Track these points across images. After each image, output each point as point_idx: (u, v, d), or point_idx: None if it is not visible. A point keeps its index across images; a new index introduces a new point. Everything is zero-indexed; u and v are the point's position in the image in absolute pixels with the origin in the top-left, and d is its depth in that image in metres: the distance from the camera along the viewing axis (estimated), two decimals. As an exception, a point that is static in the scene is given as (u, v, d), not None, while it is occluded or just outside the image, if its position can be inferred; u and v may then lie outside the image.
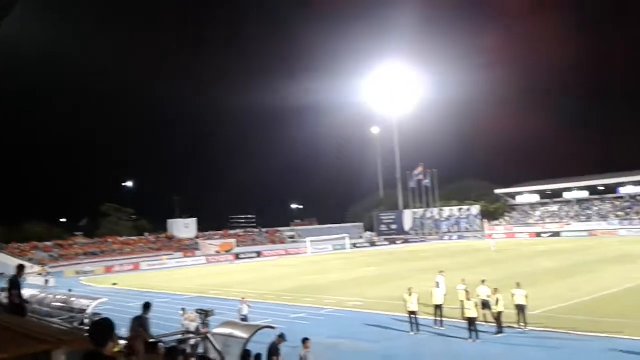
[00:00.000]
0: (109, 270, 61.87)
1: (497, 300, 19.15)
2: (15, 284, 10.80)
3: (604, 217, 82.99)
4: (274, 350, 13.35)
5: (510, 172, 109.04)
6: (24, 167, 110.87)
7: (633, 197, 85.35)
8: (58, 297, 26.04)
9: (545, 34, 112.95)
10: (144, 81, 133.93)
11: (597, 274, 33.49)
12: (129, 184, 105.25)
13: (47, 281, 45.40)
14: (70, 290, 30.82)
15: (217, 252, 77.40)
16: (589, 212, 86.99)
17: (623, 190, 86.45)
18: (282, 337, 13.72)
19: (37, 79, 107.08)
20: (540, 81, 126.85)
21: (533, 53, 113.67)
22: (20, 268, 11.30)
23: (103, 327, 3.79)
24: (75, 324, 18.26)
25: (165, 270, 62.35)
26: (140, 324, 11.61)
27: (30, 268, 64.18)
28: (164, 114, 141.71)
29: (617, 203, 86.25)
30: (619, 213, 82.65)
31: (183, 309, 21.25)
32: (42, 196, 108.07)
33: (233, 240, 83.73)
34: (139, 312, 12.43)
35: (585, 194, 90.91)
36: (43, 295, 25.44)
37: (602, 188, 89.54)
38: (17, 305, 9.82)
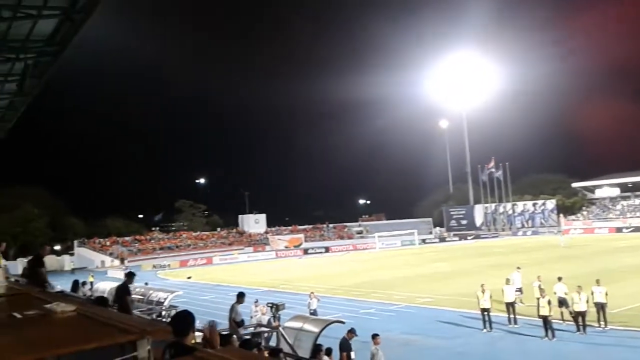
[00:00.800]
0: (183, 264, 64.18)
1: (578, 298, 18.35)
2: (126, 290, 11.39)
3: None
4: (345, 345, 13.42)
5: (589, 164, 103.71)
6: (105, 165, 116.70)
7: None
8: (137, 289, 27.28)
9: (628, 18, 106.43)
10: (211, 81, 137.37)
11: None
12: (202, 180, 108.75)
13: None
14: (146, 284, 32.24)
15: (286, 247, 78.59)
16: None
17: None
18: (352, 332, 13.73)
19: (115, 80, 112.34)
20: (621, 69, 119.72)
21: (613, 40, 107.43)
22: (130, 275, 11.95)
23: (184, 318, 4.01)
24: (154, 316, 19.05)
25: (237, 264, 63.98)
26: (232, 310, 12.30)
27: (111, 262, 67.81)
28: (232, 112, 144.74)
29: None
30: None
31: (256, 301, 21.75)
32: (122, 193, 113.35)
33: (301, 236, 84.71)
34: (212, 305, 12.90)
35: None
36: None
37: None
38: (126, 310, 10.27)
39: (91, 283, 32.41)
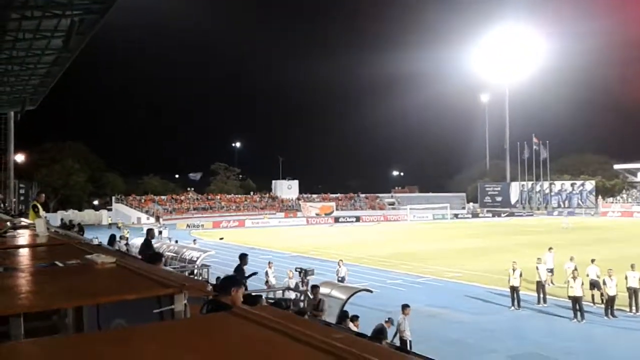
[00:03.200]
0: (216, 225, 65.42)
1: (607, 282, 18.09)
2: (242, 273, 11.82)
3: None
4: (381, 332, 13.22)
5: (633, 146, 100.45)
6: (147, 126, 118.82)
7: None
8: (171, 247, 28.06)
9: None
10: (254, 51, 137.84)
11: None
12: (238, 144, 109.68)
13: (160, 232, 48.76)
14: (176, 242, 33.12)
15: (317, 214, 79.14)
16: None
17: None
18: (390, 322, 13.38)
19: (162, 44, 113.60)
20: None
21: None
22: (243, 257, 12.35)
23: (227, 279, 4.30)
24: (186, 273, 19.59)
25: (268, 228, 64.91)
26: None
27: (147, 219, 69.54)
28: (272, 80, 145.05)
29: None
30: None
31: (270, 263, 22.49)
32: (161, 153, 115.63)
33: (333, 204, 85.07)
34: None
35: None
36: (157, 244, 27.44)
37: None
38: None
39: (127, 238, 33.46)
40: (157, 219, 67.85)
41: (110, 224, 64.59)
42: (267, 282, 21.23)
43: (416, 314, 16.48)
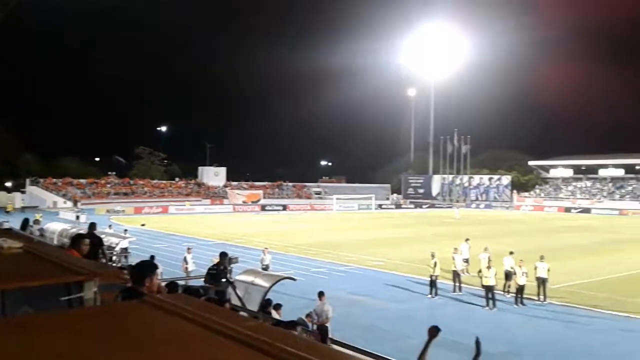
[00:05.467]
0: (138, 211, 63.52)
1: (521, 273, 19.13)
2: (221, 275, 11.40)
3: (638, 197, 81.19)
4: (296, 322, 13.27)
5: (547, 144, 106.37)
6: (65, 104, 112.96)
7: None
8: (80, 231, 26.97)
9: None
10: (189, 36, 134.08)
11: (623, 253, 33.01)
12: (163, 128, 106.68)
13: (78, 217, 46.79)
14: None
15: (244, 202, 78.61)
16: (622, 190, 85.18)
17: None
18: (310, 316, 13.41)
19: (91, 28, 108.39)
20: (590, 46, 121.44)
21: (583, 14, 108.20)
22: (223, 256, 11.88)
23: (141, 266, 4.16)
24: (104, 260, 18.93)
25: (193, 215, 63.73)
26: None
27: (63, 203, 66.47)
28: (203, 66, 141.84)
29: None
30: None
31: (189, 248, 22.35)
32: (80, 134, 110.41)
33: (260, 192, 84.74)
34: (164, 253, 12.90)
35: (621, 172, 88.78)
36: (74, 230, 26.33)
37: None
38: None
39: (40, 222, 31.83)
40: (75, 203, 65.06)
41: (23, 208, 61.20)
42: (186, 268, 20.94)
43: (338, 301, 16.77)
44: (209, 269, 13.03)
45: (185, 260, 21.56)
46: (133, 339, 1.78)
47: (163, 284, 7.11)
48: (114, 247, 23.08)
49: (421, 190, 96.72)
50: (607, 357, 13.59)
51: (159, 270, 4.02)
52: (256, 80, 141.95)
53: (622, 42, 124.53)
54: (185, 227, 46.14)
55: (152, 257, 16.56)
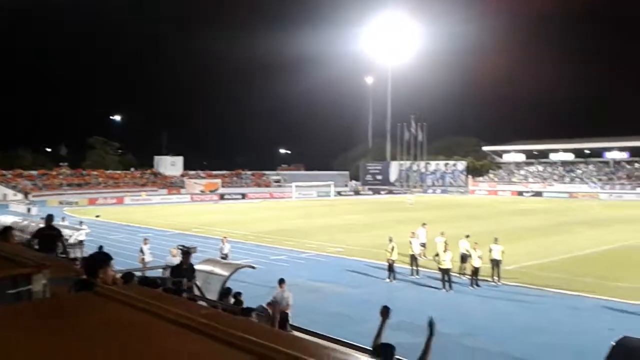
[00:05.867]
0: (92, 202, 62.02)
1: (476, 255, 19.61)
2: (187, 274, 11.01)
3: (586, 180, 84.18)
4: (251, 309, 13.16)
5: (500, 130, 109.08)
6: (16, 92, 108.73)
7: (617, 162, 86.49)
8: (41, 225, 26.17)
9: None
10: (141, 21, 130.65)
11: (574, 234, 34.26)
12: (117, 117, 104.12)
13: (29, 209, 45.36)
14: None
15: (202, 191, 77.72)
16: (572, 174, 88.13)
17: (609, 155, 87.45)
18: (272, 305, 13.34)
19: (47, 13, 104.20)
20: (540, 34, 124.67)
21: (533, 3, 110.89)
22: (187, 255, 11.40)
23: (92, 258, 4.03)
24: (63, 252, 18.44)
25: (150, 205, 62.67)
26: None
27: (13, 195, 64.26)
28: (160, 52, 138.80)
29: (602, 167, 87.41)
30: (602, 177, 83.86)
31: (145, 239, 22.11)
32: (30, 124, 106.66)
33: (218, 181, 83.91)
34: (119, 244, 12.64)
35: (570, 157, 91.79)
36: (25, 222, 25.49)
37: (588, 152, 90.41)
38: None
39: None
40: (26, 195, 62.99)
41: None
42: (142, 259, 20.62)
43: (298, 288, 16.84)
44: (172, 270, 12.70)
45: (141, 251, 21.24)
46: (80, 331, 1.74)
47: (118, 275, 6.99)
48: (68, 240, 22.47)
49: (379, 177, 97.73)
50: (558, 335, 14.11)
51: (112, 262, 3.94)
52: (213, 67, 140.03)
53: (570, 29, 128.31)
54: (142, 218, 45.34)
55: (101, 247, 16.25)
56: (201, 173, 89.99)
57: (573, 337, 13.68)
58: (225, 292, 12.67)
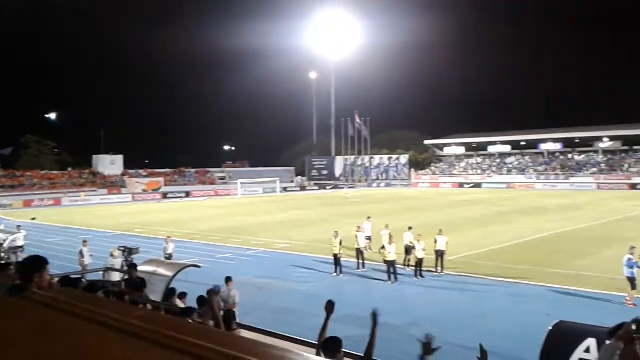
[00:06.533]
0: (27, 204, 59.52)
1: (419, 247, 20.03)
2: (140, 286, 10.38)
3: (522, 171, 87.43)
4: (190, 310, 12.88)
5: (440, 123, 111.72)
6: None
7: (551, 153, 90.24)
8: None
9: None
10: (77, 13, 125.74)
11: (512, 224, 35.53)
12: (52, 115, 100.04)
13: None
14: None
15: (144, 190, 75.88)
16: (509, 165, 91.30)
17: (543, 147, 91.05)
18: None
19: None
20: (477, 29, 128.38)
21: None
22: (134, 268, 10.76)
23: (26, 262, 3.86)
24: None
25: (89, 206, 60.70)
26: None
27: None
28: (97, 50, 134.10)
29: (536, 158, 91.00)
30: (537, 168, 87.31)
31: (84, 241, 21.38)
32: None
33: (161, 179, 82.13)
34: (57, 247, 12.16)
35: (507, 148, 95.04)
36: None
37: (524, 143, 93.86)
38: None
39: None
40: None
41: None
42: (82, 262, 19.96)
43: (245, 286, 16.73)
44: (126, 283, 12.16)
45: (81, 253, 20.53)
46: (6, 337, 1.66)
47: (55, 279, 6.72)
48: (1, 244, 21.51)
49: (324, 172, 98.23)
50: (500, 321, 14.60)
51: (48, 266, 3.77)
52: (153, 63, 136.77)
53: (510, 23, 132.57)
54: (81, 219, 43.84)
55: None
56: (142, 172, 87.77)
57: (513, 323, 14.18)
58: (169, 292, 12.42)
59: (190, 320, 5.03)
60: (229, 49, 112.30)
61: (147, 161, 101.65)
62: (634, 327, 3.94)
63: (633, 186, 72.25)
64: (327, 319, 5.85)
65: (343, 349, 5.44)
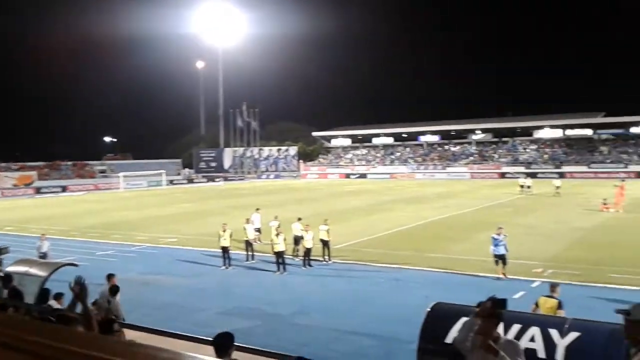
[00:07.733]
0: None
1: (305, 236, 20.35)
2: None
3: (404, 162, 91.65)
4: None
5: (326, 116, 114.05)
6: None
7: (430, 144, 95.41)
8: None
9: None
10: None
11: (395, 212, 37.14)
12: None
13: None
14: None
15: (15, 185, 70.25)
16: (392, 157, 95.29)
17: (423, 139, 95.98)
18: (96, 303, 12.48)
19: None
20: (367, 25, 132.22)
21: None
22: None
23: None
24: None
25: (-51, 204, 55.00)
26: None
27: None
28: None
29: (417, 149, 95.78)
30: (418, 159, 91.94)
31: None
32: None
33: (34, 173, 76.44)
34: None
35: (390, 140, 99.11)
36: None
37: (406, 135, 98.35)
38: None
39: None
40: None
41: None
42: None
43: (129, 283, 16.05)
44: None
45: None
46: None
47: None
48: None
49: (213, 164, 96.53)
50: (384, 306, 15.22)
51: None
52: (25, 47, 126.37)
53: (397, 21, 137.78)
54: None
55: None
56: (13, 165, 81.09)
57: (396, 307, 14.84)
58: (44, 293, 11.62)
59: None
60: (112, 35, 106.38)
61: (18, 154, 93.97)
62: (489, 305, 4.31)
63: (502, 175, 78.40)
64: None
65: (235, 343, 5.32)
